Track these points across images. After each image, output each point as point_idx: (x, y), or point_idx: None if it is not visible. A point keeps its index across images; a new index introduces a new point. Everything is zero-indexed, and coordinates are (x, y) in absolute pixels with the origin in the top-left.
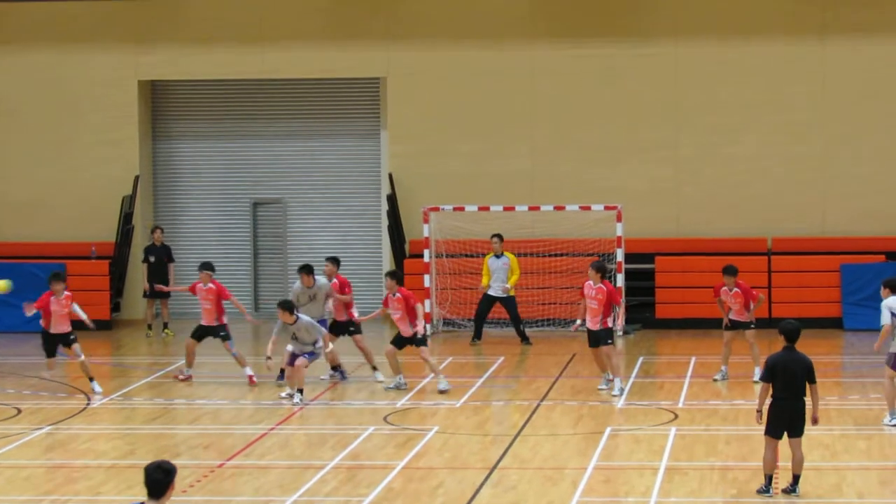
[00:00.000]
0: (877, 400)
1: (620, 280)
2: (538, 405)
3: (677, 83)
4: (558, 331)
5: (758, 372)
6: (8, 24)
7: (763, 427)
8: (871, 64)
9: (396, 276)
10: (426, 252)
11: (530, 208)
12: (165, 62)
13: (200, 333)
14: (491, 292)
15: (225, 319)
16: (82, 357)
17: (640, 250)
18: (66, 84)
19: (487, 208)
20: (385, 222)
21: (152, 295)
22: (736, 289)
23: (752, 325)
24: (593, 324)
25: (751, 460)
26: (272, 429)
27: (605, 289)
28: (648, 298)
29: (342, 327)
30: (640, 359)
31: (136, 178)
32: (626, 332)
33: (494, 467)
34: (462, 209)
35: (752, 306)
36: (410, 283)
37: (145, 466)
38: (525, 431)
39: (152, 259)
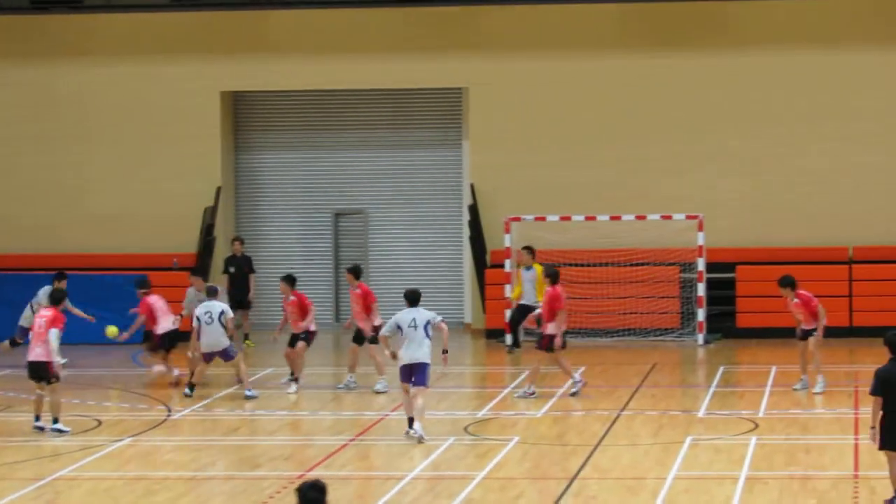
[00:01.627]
0: None
1: (702, 289)
2: (618, 415)
3: (757, 93)
4: (639, 340)
5: (820, 381)
6: (93, 35)
7: (878, 443)
8: None
9: (354, 270)
10: (507, 262)
11: (612, 217)
12: (248, 73)
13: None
14: (524, 301)
15: (312, 327)
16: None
17: (721, 259)
18: (148, 95)
19: (569, 218)
20: (466, 232)
21: (233, 306)
22: (796, 299)
23: (814, 334)
24: None
25: (830, 469)
26: (352, 440)
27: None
28: (729, 308)
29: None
30: (721, 368)
31: (218, 189)
32: (706, 342)
33: (575, 477)
34: (543, 219)
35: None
36: (491, 292)
37: (298, 486)
38: (605, 441)
39: (233, 270)
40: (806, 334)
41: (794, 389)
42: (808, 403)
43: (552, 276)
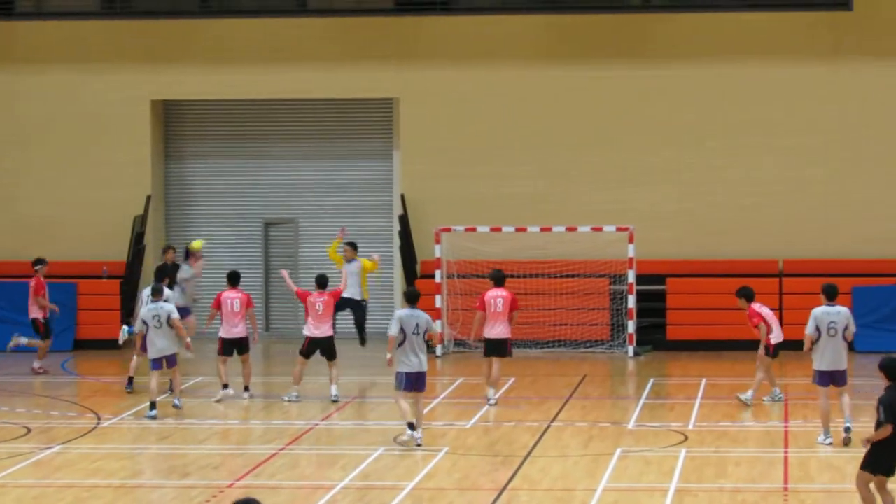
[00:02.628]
0: None
1: (632, 301)
2: (548, 426)
3: (689, 105)
4: (569, 352)
5: (750, 393)
6: (22, 42)
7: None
8: (882, 87)
9: (236, 276)
10: (438, 273)
11: (542, 229)
12: (178, 82)
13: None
14: (346, 295)
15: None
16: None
17: (651, 271)
18: (79, 103)
19: (499, 229)
20: (397, 243)
21: None
22: (748, 311)
23: (760, 349)
24: None
25: (760, 482)
26: (282, 449)
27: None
28: (660, 320)
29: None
30: (651, 380)
31: (148, 197)
32: (636, 354)
33: (504, 488)
34: (474, 230)
35: (761, 329)
36: (422, 303)
37: (234, 502)
38: (535, 452)
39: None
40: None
41: (764, 401)
42: (738, 416)
43: (497, 279)
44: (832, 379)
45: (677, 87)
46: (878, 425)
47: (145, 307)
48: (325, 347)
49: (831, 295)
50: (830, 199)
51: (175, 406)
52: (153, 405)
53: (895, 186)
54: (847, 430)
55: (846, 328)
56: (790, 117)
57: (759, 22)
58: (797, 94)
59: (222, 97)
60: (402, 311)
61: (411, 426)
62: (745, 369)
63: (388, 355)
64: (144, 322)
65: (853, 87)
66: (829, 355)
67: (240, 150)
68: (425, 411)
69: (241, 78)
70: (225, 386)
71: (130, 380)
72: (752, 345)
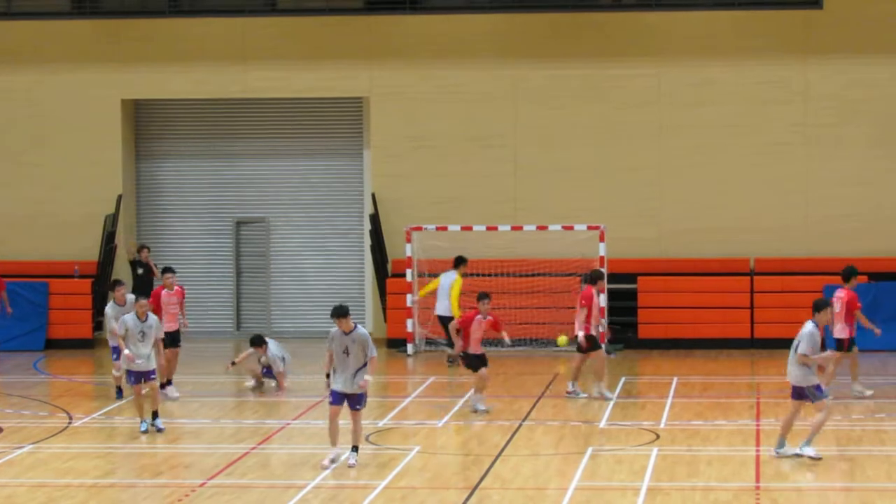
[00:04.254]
0: (859, 421)
1: (603, 300)
2: (520, 425)
3: (660, 103)
4: (540, 350)
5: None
6: None
7: None
8: (852, 85)
9: (171, 270)
10: (409, 271)
11: (513, 228)
12: (149, 82)
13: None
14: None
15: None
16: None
17: (623, 270)
18: (50, 102)
19: (470, 228)
20: (367, 241)
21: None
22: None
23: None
24: None
25: (732, 481)
26: (253, 448)
27: None
28: (631, 319)
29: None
30: (623, 379)
31: (119, 197)
32: (608, 353)
33: (476, 487)
34: (445, 228)
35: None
36: (393, 301)
37: None
38: (506, 451)
39: (140, 271)
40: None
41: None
42: (709, 415)
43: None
44: (798, 394)
45: (646, 85)
46: None
47: (130, 319)
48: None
49: (814, 308)
50: (801, 197)
51: (158, 430)
52: (143, 420)
53: (864, 183)
54: (779, 453)
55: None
56: (761, 116)
57: (729, 20)
58: (767, 93)
59: (193, 96)
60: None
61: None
62: (717, 367)
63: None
64: (128, 331)
65: (822, 84)
66: (791, 370)
67: (210, 149)
68: (397, 410)
69: (211, 77)
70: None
71: (119, 389)
72: (723, 343)
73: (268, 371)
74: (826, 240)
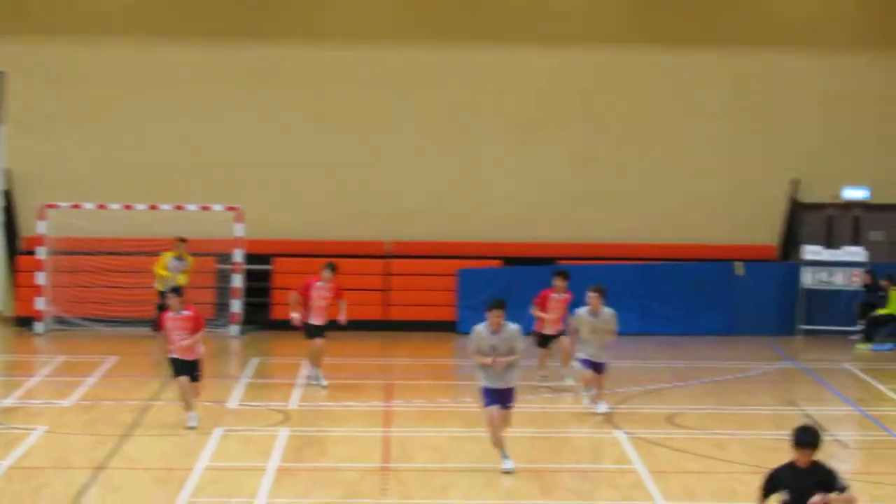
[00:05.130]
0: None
1: (239, 281)
2: (149, 405)
3: (298, 88)
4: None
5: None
6: None
7: None
8: (491, 68)
9: None
10: (40, 249)
11: (151, 206)
12: None
13: None
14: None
15: None
16: None
17: (259, 251)
18: None
19: (106, 206)
20: (1, 217)
21: None
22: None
23: None
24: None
25: (360, 461)
26: None
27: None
28: (264, 300)
29: None
30: (255, 359)
31: None
32: (241, 333)
33: (102, 468)
34: (80, 206)
35: None
36: (23, 279)
37: None
38: (136, 432)
39: None
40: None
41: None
42: (340, 396)
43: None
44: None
45: (281, 67)
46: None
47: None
48: None
49: None
50: (436, 182)
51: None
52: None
53: (504, 169)
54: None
55: None
56: (382, 100)
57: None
58: (400, 81)
59: None
60: None
61: None
62: (349, 349)
63: None
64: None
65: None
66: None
67: None
68: (23, 389)
69: None
70: None
71: None
72: (358, 325)
73: None
74: (460, 225)
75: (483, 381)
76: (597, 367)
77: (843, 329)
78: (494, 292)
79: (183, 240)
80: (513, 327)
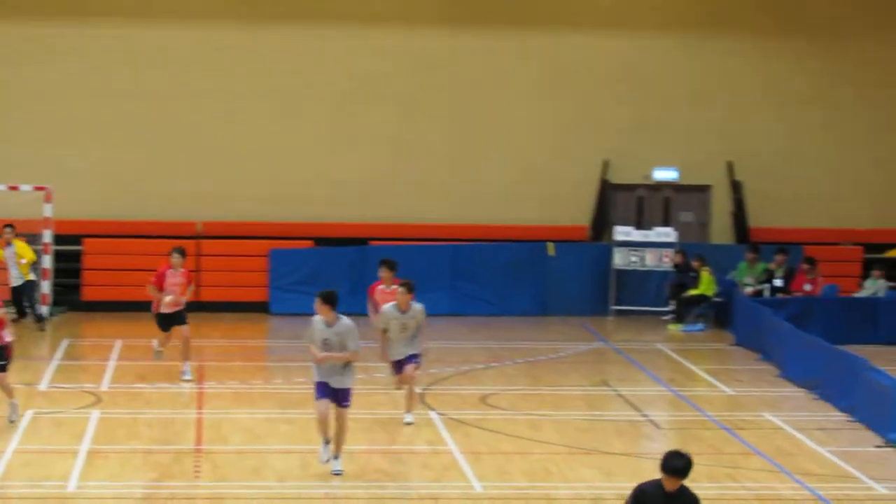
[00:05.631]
0: (300, 384)
1: (48, 262)
2: None
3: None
4: None
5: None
6: None
7: None
8: (307, 48)
9: None
10: None
11: None
12: None
13: None
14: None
15: None
16: None
17: (68, 231)
18: None
19: None
20: None
21: None
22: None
23: None
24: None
25: (173, 443)
26: None
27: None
28: (75, 280)
29: None
30: (65, 341)
31: None
32: (51, 315)
33: None
34: None
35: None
36: None
37: None
38: None
39: None
40: None
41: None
42: (152, 377)
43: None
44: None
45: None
46: None
47: None
48: None
49: None
50: (245, 162)
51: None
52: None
53: (323, 148)
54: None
55: None
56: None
57: None
58: (225, 59)
59: None
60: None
61: None
62: (156, 331)
63: None
64: None
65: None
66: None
67: None
68: None
69: None
70: None
71: None
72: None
73: None
74: (273, 205)
75: (315, 375)
76: (402, 365)
77: (654, 309)
78: (306, 273)
79: (10, 226)
80: (347, 322)
